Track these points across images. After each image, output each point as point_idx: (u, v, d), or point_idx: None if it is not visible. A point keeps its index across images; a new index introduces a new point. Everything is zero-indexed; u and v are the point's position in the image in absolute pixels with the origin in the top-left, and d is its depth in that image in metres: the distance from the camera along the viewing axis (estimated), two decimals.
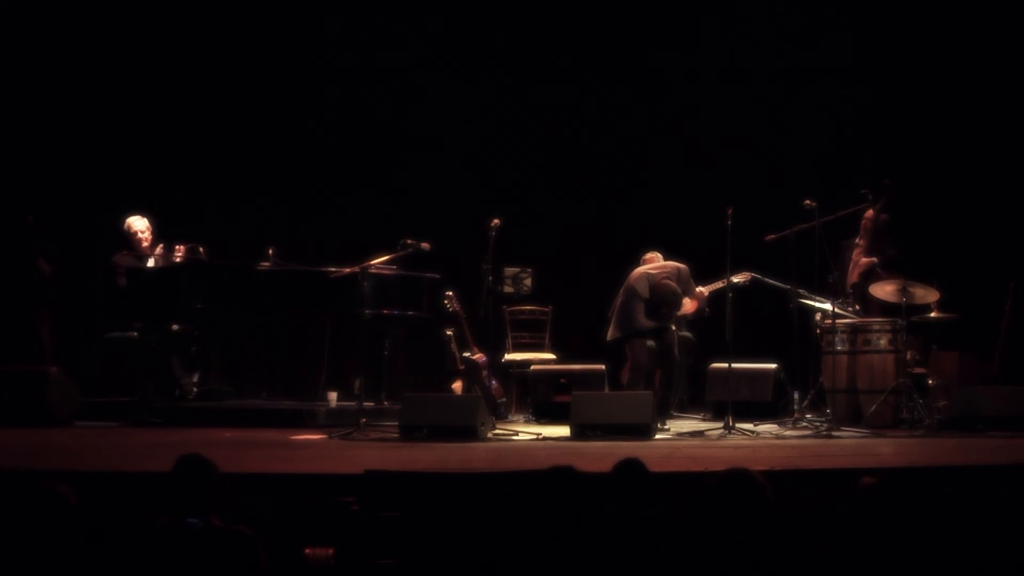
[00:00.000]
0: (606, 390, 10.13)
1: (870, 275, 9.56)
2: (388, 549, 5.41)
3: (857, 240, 9.75)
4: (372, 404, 9.53)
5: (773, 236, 8.99)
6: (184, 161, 11.98)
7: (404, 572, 5.28)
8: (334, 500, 5.75)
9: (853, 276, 9.63)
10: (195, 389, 10.25)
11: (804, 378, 9.43)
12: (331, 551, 5.30)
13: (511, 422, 9.80)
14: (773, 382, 9.87)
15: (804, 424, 8.85)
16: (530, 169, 12.07)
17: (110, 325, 11.01)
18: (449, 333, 10.55)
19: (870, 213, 9.65)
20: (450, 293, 10.41)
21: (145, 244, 10.16)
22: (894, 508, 3.88)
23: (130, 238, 10.16)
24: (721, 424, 8.68)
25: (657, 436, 8.51)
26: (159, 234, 10.28)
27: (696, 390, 10.08)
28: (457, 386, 10.32)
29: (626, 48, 11.81)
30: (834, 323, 9.06)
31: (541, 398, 10.21)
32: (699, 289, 9.68)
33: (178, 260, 10.06)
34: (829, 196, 9.41)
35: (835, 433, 8.42)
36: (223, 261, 10.28)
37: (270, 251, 10.12)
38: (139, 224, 10.21)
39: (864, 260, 9.68)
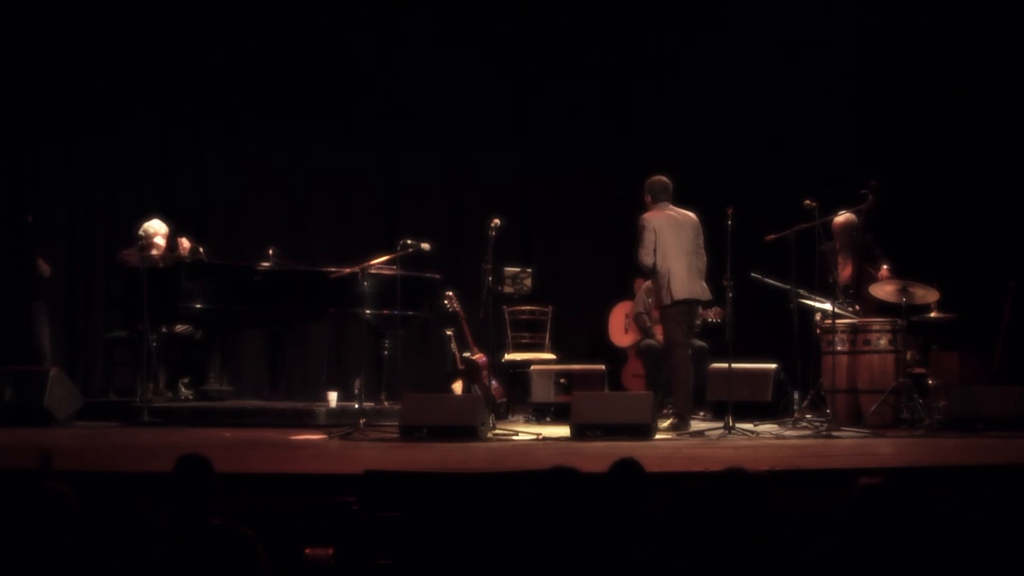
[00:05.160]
0: (606, 390, 10.14)
1: (864, 276, 9.56)
2: (388, 549, 5.40)
3: (836, 246, 9.73)
4: (372, 404, 9.52)
5: (773, 236, 8.98)
6: (184, 160, 11.99)
7: (404, 572, 5.28)
8: (334, 500, 5.75)
9: (843, 277, 9.61)
10: (188, 392, 10.25)
11: (804, 378, 9.43)
12: (331, 551, 5.30)
13: (511, 422, 9.80)
14: (773, 382, 9.87)
15: (804, 424, 8.85)
16: (530, 168, 12.07)
17: (110, 325, 11.03)
18: (449, 333, 10.56)
19: (839, 223, 9.62)
20: (450, 293, 10.42)
21: (156, 252, 10.10)
22: (893, 508, 3.88)
23: (147, 240, 10.11)
24: (721, 424, 8.68)
25: (657, 436, 8.50)
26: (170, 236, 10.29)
27: (696, 390, 10.06)
28: (457, 386, 10.33)
29: (626, 49, 11.81)
30: (834, 323, 9.06)
31: (541, 398, 10.22)
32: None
33: (183, 253, 10.07)
34: (829, 196, 9.42)
35: (835, 433, 8.41)
36: (223, 261, 10.29)
37: (270, 251, 10.11)
38: (158, 228, 10.16)
39: (850, 266, 9.64)
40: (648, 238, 8.97)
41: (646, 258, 8.98)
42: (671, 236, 8.98)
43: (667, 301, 8.98)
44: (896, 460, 7.33)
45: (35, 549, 4.11)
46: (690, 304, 9.03)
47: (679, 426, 8.82)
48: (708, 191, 10.15)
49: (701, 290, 9.08)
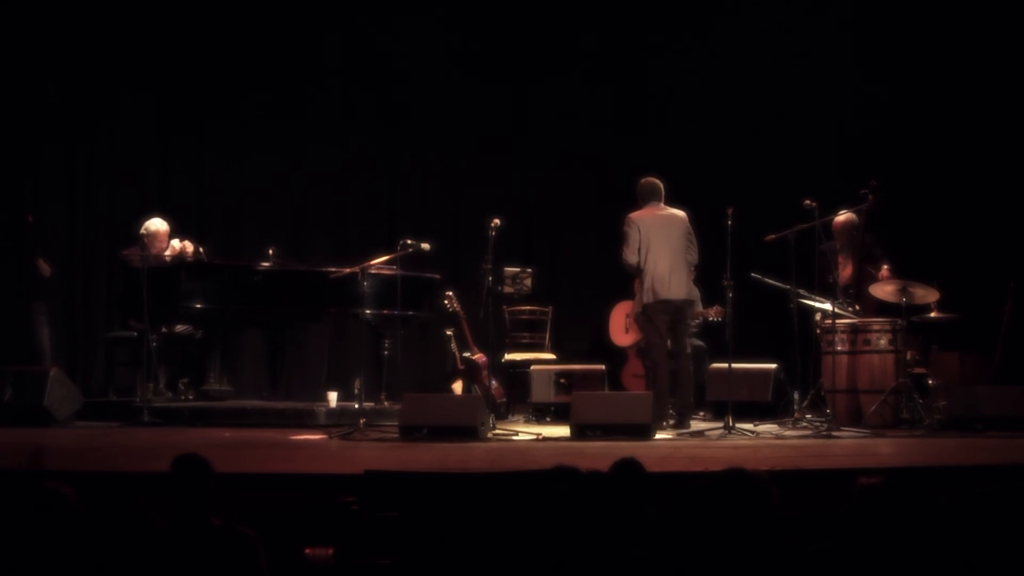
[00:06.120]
0: (606, 390, 10.14)
1: (865, 276, 9.56)
2: (388, 549, 5.40)
3: (837, 246, 9.74)
4: (372, 404, 9.53)
5: (773, 236, 8.99)
6: (185, 159, 11.99)
7: (404, 572, 5.28)
8: (334, 500, 5.75)
9: (844, 277, 9.62)
10: (188, 392, 10.24)
11: (804, 378, 9.43)
12: (331, 551, 5.30)
13: (511, 422, 9.81)
14: (773, 382, 9.88)
15: (804, 424, 8.85)
16: (530, 168, 12.07)
17: (110, 325, 11.02)
18: (449, 333, 10.56)
19: (839, 223, 9.63)
20: (450, 293, 10.42)
21: (157, 249, 10.11)
22: (893, 508, 3.88)
23: (148, 239, 10.11)
24: (721, 424, 8.68)
25: (657, 436, 8.50)
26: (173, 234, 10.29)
27: (696, 390, 10.07)
28: (457, 386, 10.33)
29: (626, 48, 11.81)
30: (834, 323, 9.06)
31: (541, 398, 10.23)
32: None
33: (186, 253, 10.07)
34: (829, 196, 9.42)
35: (835, 433, 8.41)
36: (223, 261, 10.30)
37: (270, 251, 10.12)
38: (161, 227, 10.16)
39: (850, 266, 9.65)
40: (632, 237, 9.04)
41: (630, 257, 9.05)
42: (657, 235, 9.03)
43: (646, 300, 9.05)
44: (896, 460, 7.33)
45: (36, 549, 4.10)
46: (668, 304, 9.04)
47: (678, 425, 8.84)
48: (708, 191, 10.17)
49: (685, 290, 9.09)
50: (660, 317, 9.07)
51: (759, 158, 11.29)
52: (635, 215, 9.13)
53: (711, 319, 9.97)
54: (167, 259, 10.02)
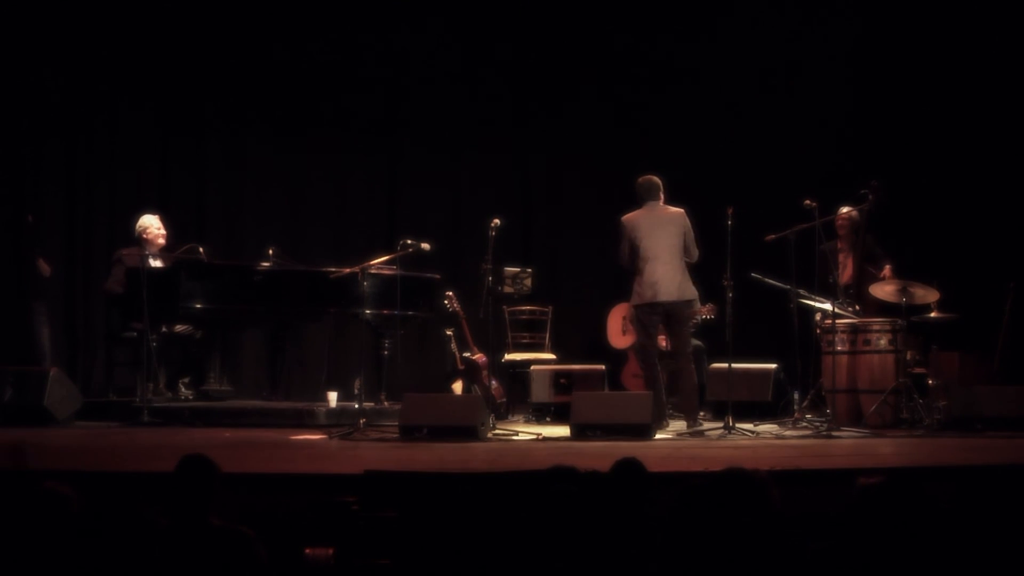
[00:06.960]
0: (606, 390, 10.14)
1: (865, 275, 9.56)
2: (388, 549, 5.40)
3: (839, 244, 9.75)
4: (372, 404, 9.53)
5: (773, 236, 8.99)
6: (185, 159, 11.99)
7: (404, 572, 5.28)
8: (334, 500, 5.75)
9: (844, 277, 9.63)
10: (188, 392, 10.23)
11: (804, 378, 9.43)
12: (331, 551, 5.30)
13: (511, 422, 9.81)
14: (773, 382, 9.88)
15: (804, 424, 8.85)
16: (530, 168, 12.08)
17: (110, 325, 11.02)
18: (449, 333, 10.57)
19: (844, 216, 9.64)
20: (450, 293, 10.42)
21: (160, 243, 10.12)
22: (893, 508, 3.88)
23: (143, 235, 10.12)
24: (721, 424, 8.68)
25: (657, 436, 8.50)
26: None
27: (696, 390, 10.07)
28: (457, 386, 10.34)
29: (626, 48, 11.81)
30: (834, 323, 9.07)
31: (541, 398, 10.23)
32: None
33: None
34: (829, 196, 9.42)
35: (835, 433, 8.42)
36: (223, 261, 10.30)
37: (270, 251, 10.12)
38: (152, 222, 10.17)
39: (851, 264, 9.66)
40: (624, 241, 9.05)
41: (623, 261, 9.12)
42: (650, 236, 9.01)
43: (635, 302, 9.10)
44: (896, 460, 7.33)
45: (36, 549, 4.11)
46: (657, 307, 9.03)
47: (689, 426, 8.85)
48: (708, 191, 10.17)
49: (677, 292, 9.03)
50: (650, 319, 9.07)
51: (759, 158, 11.29)
52: (626, 218, 9.13)
53: (704, 317, 9.96)
54: (162, 258, 10.02)
